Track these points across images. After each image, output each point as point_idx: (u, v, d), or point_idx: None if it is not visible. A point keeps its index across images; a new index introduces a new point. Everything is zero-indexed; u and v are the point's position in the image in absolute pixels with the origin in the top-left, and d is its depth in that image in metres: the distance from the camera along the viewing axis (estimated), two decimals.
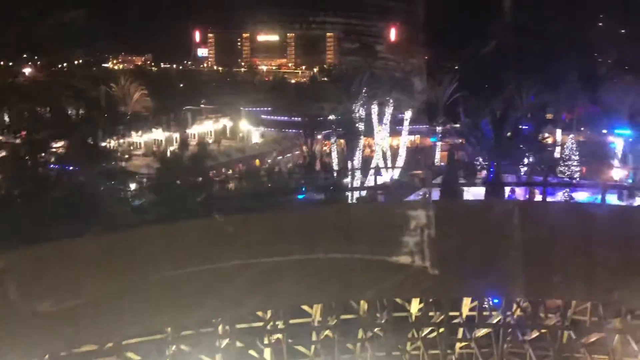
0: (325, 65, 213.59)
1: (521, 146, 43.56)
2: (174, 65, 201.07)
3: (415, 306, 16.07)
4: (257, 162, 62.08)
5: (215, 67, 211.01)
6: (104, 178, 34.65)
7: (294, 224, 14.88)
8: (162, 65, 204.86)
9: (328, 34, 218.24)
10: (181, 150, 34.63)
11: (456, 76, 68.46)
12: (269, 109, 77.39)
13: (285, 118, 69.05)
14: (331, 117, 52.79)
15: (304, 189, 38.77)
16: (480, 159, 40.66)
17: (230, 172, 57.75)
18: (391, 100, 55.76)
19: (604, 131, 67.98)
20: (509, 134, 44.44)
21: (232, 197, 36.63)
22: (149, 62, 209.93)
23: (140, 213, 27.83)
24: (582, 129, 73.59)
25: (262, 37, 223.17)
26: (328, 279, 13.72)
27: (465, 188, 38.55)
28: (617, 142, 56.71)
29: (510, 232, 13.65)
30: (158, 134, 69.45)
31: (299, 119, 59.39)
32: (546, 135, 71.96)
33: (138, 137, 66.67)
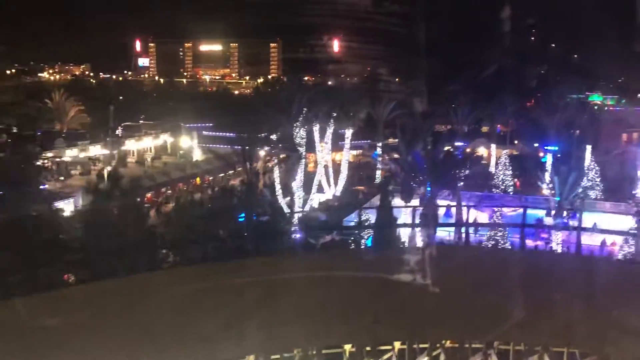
0: (269, 76, 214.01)
1: (455, 163, 44.84)
2: (114, 76, 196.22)
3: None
4: (198, 180, 61.41)
5: (156, 78, 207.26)
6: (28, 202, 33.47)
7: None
8: (101, 76, 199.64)
9: (272, 44, 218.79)
10: (113, 179, 33.29)
11: (395, 92, 70.16)
12: (211, 124, 76.89)
13: (228, 134, 68.62)
14: (274, 132, 52.49)
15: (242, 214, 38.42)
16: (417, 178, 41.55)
17: (169, 191, 56.90)
18: (335, 115, 56.19)
19: (536, 145, 70.74)
20: (442, 153, 45.83)
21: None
22: (87, 72, 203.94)
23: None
24: (515, 142, 76.70)
25: (205, 47, 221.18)
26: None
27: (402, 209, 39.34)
28: (548, 156, 59.14)
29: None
30: (96, 151, 67.51)
31: (241, 134, 59.02)
32: (481, 150, 74.73)
33: (76, 155, 64.62)
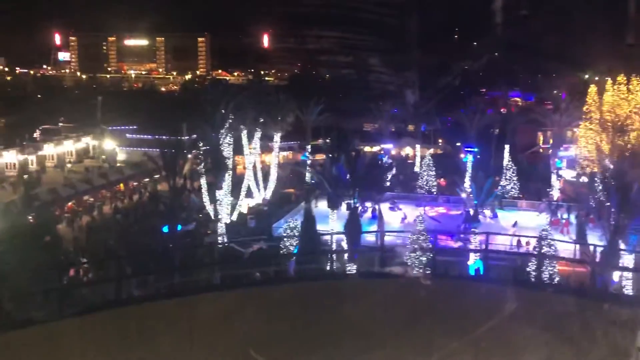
0: (198, 72, 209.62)
1: (378, 167, 45.70)
2: (32, 71, 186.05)
3: None
4: (122, 186, 59.52)
5: (78, 73, 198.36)
6: None
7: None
8: (17, 70, 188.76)
9: (200, 39, 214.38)
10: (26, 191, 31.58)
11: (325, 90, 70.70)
12: (136, 126, 74.63)
13: (153, 136, 66.80)
14: (200, 134, 51.01)
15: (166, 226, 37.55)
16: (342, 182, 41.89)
17: (92, 199, 54.80)
18: (263, 116, 55.58)
19: (458, 144, 72.94)
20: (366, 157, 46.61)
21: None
22: (2, 67, 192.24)
23: None
24: (440, 141, 78.99)
25: (129, 41, 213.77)
26: None
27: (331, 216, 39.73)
28: (469, 156, 61.25)
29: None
30: (11, 157, 63.85)
31: (167, 136, 57.46)
32: (407, 149, 76.57)
33: None
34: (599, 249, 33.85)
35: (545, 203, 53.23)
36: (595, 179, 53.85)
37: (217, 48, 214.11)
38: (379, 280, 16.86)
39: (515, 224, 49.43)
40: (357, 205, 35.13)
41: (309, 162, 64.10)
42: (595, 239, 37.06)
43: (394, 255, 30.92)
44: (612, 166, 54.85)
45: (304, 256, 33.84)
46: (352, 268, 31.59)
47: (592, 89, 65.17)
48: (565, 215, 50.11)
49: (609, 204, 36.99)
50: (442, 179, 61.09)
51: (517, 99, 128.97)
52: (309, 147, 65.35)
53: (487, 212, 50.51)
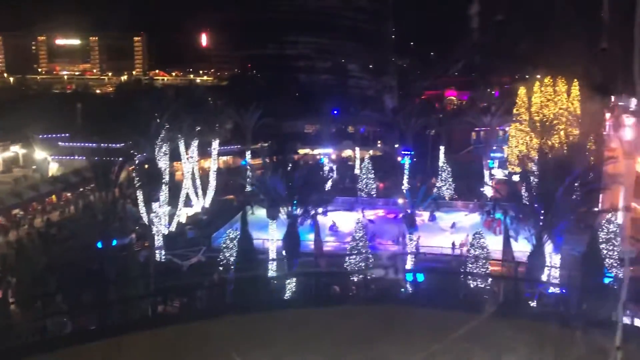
0: (134, 72, 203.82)
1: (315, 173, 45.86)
2: None
3: None
4: (54, 198, 57.22)
5: (5, 75, 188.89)
6: None
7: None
8: None
9: (136, 38, 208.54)
10: None
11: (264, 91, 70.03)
12: (68, 134, 71.84)
13: (87, 144, 64.62)
14: (135, 141, 49.58)
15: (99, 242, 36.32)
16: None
17: (22, 212, 52.42)
18: (202, 123, 54.66)
19: (396, 146, 73.75)
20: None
21: None
22: None
23: None
24: (379, 143, 79.79)
25: (61, 41, 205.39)
26: None
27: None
28: (406, 159, 62.27)
29: None
30: None
31: (101, 144, 55.66)
32: (348, 151, 77.23)
33: None
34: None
35: (476, 203, 55.01)
36: (526, 178, 56.39)
37: (155, 47, 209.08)
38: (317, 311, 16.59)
39: (453, 225, 51.02)
40: (296, 215, 35.06)
41: (249, 167, 63.51)
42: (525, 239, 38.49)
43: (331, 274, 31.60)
44: (539, 166, 57.26)
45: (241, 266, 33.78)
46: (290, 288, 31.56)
47: (522, 90, 67.95)
48: (497, 215, 51.92)
49: (536, 204, 38.62)
50: (380, 182, 62.01)
51: (453, 97, 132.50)
52: (248, 153, 64.73)
53: (425, 214, 51.75)
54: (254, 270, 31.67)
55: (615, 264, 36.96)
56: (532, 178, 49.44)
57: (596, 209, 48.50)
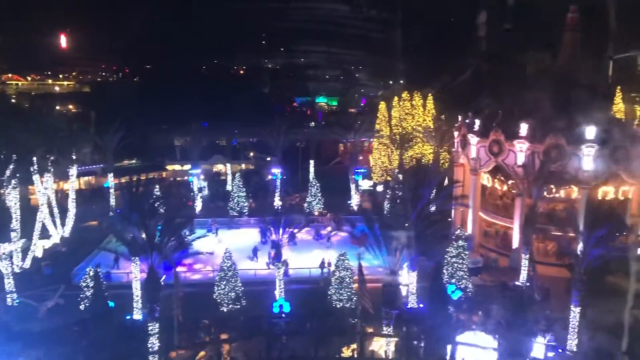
0: None
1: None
2: None
3: None
4: None
5: None
6: None
7: None
8: None
9: None
10: None
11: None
12: None
13: None
14: None
15: None
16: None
17: None
18: (56, 152, 50.98)
19: (269, 159, 74.09)
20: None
21: None
22: None
23: None
24: (250, 156, 79.47)
25: None
26: None
27: None
28: (277, 174, 62.73)
29: None
30: None
31: None
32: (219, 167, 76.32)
33: None
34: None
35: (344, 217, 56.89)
36: (388, 189, 59.65)
37: (7, 48, 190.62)
38: None
39: (329, 239, 52.23)
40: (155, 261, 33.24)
41: (112, 189, 60.63)
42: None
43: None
44: (400, 177, 60.78)
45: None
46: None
47: (382, 105, 71.62)
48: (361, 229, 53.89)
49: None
50: (252, 200, 62.10)
51: (323, 103, 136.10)
52: (111, 175, 61.53)
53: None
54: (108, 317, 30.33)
55: (465, 276, 40.37)
56: (392, 190, 52.52)
57: (449, 219, 53.10)
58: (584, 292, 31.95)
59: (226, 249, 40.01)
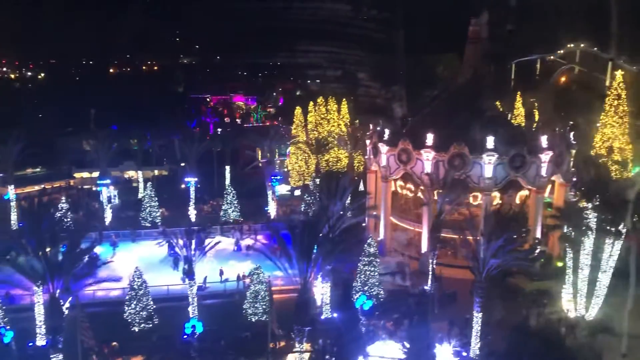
0: None
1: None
2: None
3: None
4: None
5: None
6: None
7: None
8: None
9: None
10: None
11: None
12: None
13: None
14: None
15: None
16: None
17: None
18: None
19: (183, 164, 72.03)
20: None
21: None
22: None
23: None
24: (165, 161, 76.97)
25: None
26: None
27: None
28: (191, 182, 61.00)
29: None
30: None
31: None
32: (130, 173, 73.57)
33: None
34: None
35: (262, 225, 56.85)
36: (305, 194, 60.13)
37: None
38: None
39: (245, 249, 51.83)
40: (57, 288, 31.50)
41: (13, 202, 56.95)
42: None
43: None
44: (317, 182, 61.40)
45: None
46: None
47: (298, 110, 72.06)
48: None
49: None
50: (164, 209, 60.43)
51: (241, 103, 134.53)
52: (11, 187, 57.64)
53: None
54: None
55: (376, 283, 41.48)
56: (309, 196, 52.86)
57: (363, 224, 54.36)
58: (484, 298, 33.72)
59: (136, 267, 38.82)
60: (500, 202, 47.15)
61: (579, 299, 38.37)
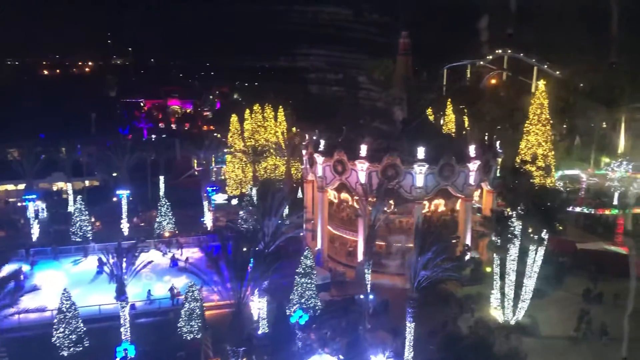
0: None
1: None
2: None
3: None
4: None
5: None
6: None
7: None
8: None
9: None
10: None
11: None
12: None
13: None
14: None
15: None
16: None
17: None
18: None
19: (115, 174, 69.51)
20: None
21: None
22: None
23: None
24: (95, 172, 74.15)
25: None
26: None
27: None
28: (123, 195, 59.05)
29: None
30: None
31: None
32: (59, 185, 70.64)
33: None
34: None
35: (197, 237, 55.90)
36: (243, 203, 59.65)
37: None
38: None
39: (186, 261, 50.74)
40: None
41: None
42: None
43: None
44: (254, 191, 61.21)
45: None
46: None
47: (234, 118, 71.35)
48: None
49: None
50: (97, 222, 58.51)
51: (177, 107, 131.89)
52: None
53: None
54: None
55: (313, 295, 41.71)
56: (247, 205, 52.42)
57: (301, 233, 54.55)
58: (416, 308, 34.59)
59: (64, 289, 37.35)
60: (432, 209, 48.53)
61: (506, 303, 40.16)
